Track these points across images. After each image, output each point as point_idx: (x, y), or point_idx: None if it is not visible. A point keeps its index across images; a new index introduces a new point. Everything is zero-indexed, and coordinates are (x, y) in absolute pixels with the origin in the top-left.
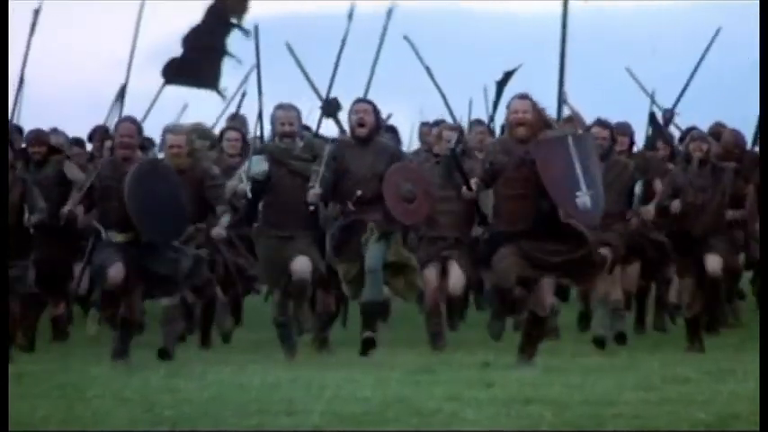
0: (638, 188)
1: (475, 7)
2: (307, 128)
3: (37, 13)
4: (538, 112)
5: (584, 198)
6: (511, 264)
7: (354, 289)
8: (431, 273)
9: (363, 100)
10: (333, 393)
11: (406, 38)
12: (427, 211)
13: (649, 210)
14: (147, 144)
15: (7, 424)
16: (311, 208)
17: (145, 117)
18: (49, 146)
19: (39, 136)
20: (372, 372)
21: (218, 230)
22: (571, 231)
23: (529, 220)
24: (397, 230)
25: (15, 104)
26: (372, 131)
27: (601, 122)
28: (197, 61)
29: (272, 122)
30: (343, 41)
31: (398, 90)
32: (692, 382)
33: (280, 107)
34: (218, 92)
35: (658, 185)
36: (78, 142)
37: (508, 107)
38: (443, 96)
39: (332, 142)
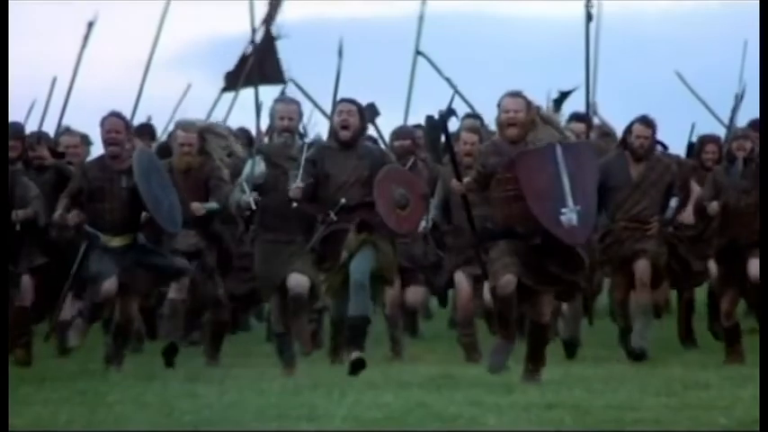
0: (674, 203)
1: (499, 10)
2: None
3: (91, 25)
4: (530, 110)
5: (569, 215)
6: (508, 264)
7: (337, 303)
8: (462, 281)
9: (348, 100)
10: (354, 398)
11: (420, 53)
12: (421, 217)
13: (688, 215)
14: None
15: (7, 424)
16: (293, 204)
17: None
18: (52, 151)
19: (39, 141)
20: (393, 377)
21: (198, 206)
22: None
23: (527, 222)
24: (383, 236)
25: (62, 112)
26: (357, 134)
27: (644, 120)
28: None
29: (271, 116)
30: (337, 77)
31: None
32: (713, 388)
33: (279, 100)
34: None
35: (695, 187)
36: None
37: (499, 105)
38: (469, 105)
39: (310, 146)
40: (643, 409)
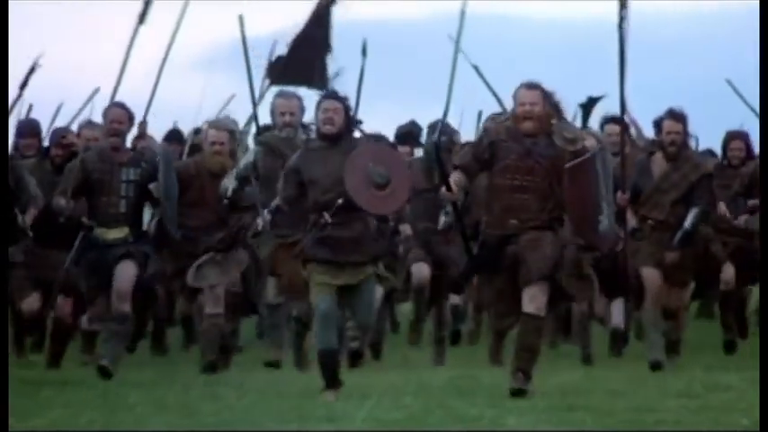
0: (692, 213)
1: (529, 12)
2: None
3: (148, 2)
4: (548, 102)
5: (604, 221)
6: (502, 304)
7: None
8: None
9: (333, 97)
10: (374, 400)
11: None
12: (402, 201)
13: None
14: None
15: (7, 424)
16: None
17: (251, 122)
18: (72, 150)
19: (64, 139)
20: (414, 378)
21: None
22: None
23: (523, 214)
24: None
25: (113, 94)
26: (342, 132)
27: (674, 114)
28: (303, 60)
29: (272, 112)
30: (361, 78)
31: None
32: (733, 390)
33: (280, 95)
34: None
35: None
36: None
37: (514, 97)
38: (496, 96)
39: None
40: (664, 411)
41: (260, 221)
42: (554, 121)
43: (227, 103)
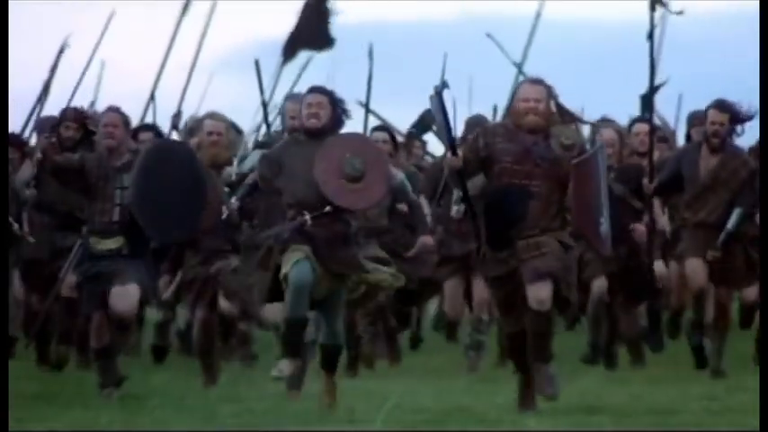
0: (736, 214)
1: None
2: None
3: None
4: (552, 101)
5: (605, 225)
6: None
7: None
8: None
9: (318, 90)
10: (394, 402)
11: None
12: (379, 196)
13: None
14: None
15: (7, 424)
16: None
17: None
18: (86, 128)
19: (74, 115)
20: (433, 381)
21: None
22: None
23: (526, 217)
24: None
25: (153, 93)
26: (327, 126)
27: (720, 105)
28: (306, 27)
29: (282, 115)
30: (369, 80)
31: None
32: (754, 391)
33: (290, 98)
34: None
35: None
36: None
37: (516, 93)
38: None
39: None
40: (685, 413)
41: (225, 209)
42: (556, 127)
43: (258, 111)
